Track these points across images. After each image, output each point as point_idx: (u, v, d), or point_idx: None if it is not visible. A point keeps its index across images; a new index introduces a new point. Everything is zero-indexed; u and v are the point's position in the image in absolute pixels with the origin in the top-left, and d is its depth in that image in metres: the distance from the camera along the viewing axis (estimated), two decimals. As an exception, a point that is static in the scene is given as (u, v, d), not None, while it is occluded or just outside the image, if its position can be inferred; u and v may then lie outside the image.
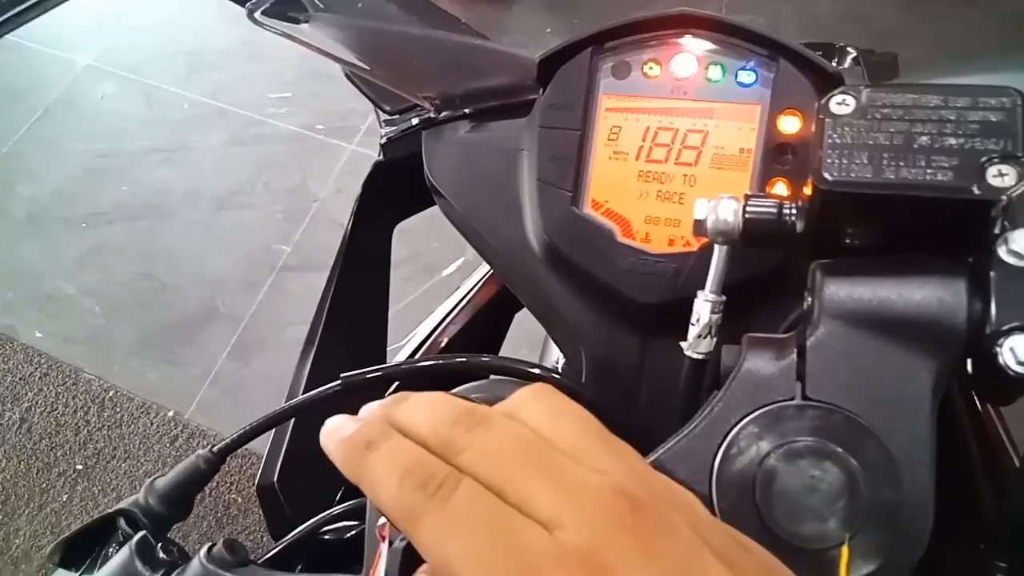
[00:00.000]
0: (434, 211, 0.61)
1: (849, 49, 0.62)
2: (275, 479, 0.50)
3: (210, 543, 0.37)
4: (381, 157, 0.56)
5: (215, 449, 0.42)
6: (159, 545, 0.37)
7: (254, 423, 0.42)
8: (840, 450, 0.27)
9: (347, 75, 0.53)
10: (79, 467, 1.56)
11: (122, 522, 0.42)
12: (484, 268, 0.72)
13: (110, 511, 0.42)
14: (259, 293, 1.78)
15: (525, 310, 0.71)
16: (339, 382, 0.42)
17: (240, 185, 1.97)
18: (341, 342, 0.59)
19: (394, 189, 0.60)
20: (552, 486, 0.22)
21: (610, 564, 0.21)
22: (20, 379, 1.67)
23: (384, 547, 0.29)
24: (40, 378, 1.67)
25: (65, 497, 1.53)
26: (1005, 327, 0.27)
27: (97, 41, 2.27)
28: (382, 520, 0.31)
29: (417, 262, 1.70)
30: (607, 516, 0.22)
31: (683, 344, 0.37)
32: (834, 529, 0.26)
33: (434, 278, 1.71)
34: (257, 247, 1.85)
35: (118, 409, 1.62)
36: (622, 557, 0.21)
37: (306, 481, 0.51)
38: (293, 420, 0.51)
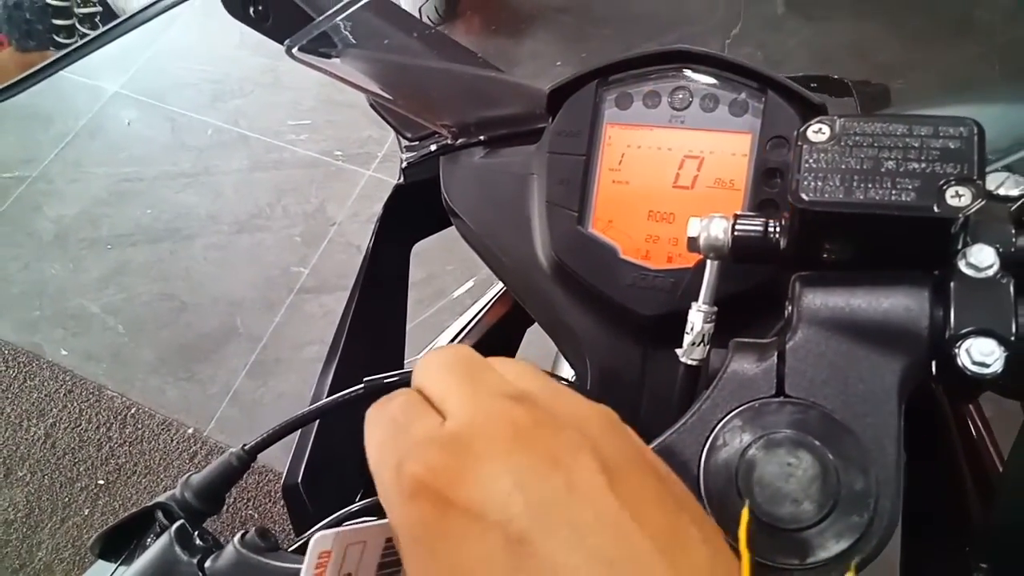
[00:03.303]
0: (446, 237, 0.65)
1: (844, 81, 0.66)
2: (299, 480, 0.54)
3: (243, 530, 0.40)
4: (401, 180, 0.60)
5: (247, 447, 0.46)
6: (195, 533, 0.41)
7: (281, 424, 0.46)
8: (814, 441, 0.30)
9: (371, 105, 0.57)
10: (101, 482, 1.60)
11: (159, 515, 0.45)
12: (494, 289, 0.75)
13: (148, 504, 0.46)
14: (277, 314, 1.82)
15: (534, 329, 0.74)
16: (361, 386, 0.45)
17: (260, 209, 2.03)
18: (362, 353, 0.63)
19: (413, 211, 0.64)
20: (464, 388, 0.27)
21: (476, 448, 0.24)
22: (45, 395, 1.71)
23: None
24: (64, 395, 1.71)
25: (87, 511, 1.57)
26: (963, 331, 0.30)
27: (124, 69, 2.34)
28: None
29: (430, 285, 1.74)
30: (489, 410, 0.26)
31: (678, 351, 0.40)
32: (808, 511, 0.29)
33: (444, 299, 1.74)
34: (276, 269, 1.90)
35: (139, 426, 1.66)
36: (490, 444, 0.24)
37: (329, 482, 0.54)
38: (317, 423, 0.55)
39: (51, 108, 2.28)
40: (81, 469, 1.62)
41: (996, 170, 0.35)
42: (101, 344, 1.80)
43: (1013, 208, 0.33)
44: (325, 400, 0.46)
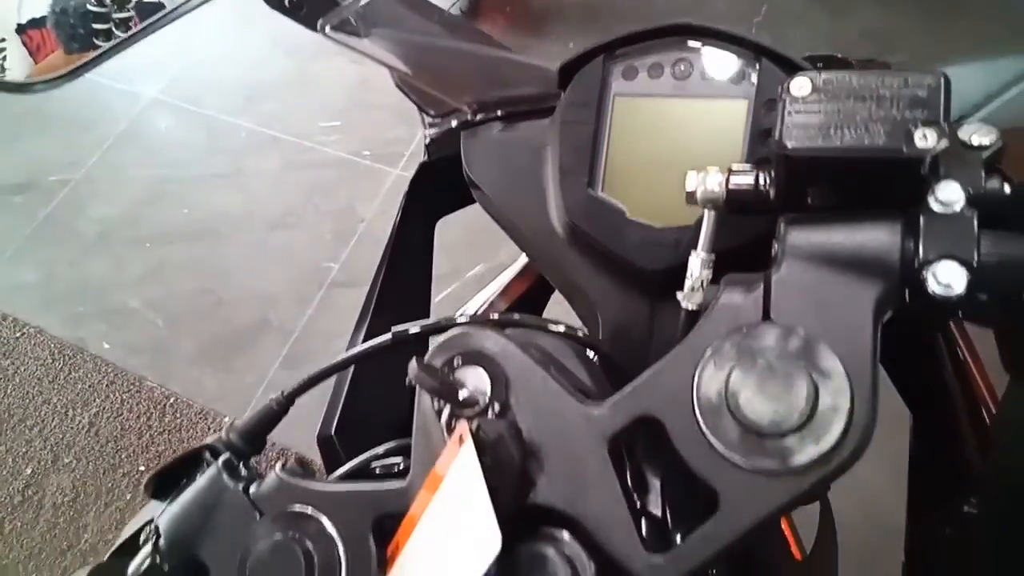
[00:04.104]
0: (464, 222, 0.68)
1: (847, 59, 0.69)
2: (333, 431, 0.58)
3: (283, 460, 0.44)
4: (425, 158, 0.64)
5: (285, 393, 0.50)
6: (240, 464, 0.45)
7: (315, 372, 0.50)
8: (796, 357, 0.33)
9: (397, 85, 0.61)
10: (141, 468, 1.66)
11: (207, 455, 0.49)
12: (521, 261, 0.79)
13: (196, 446, 0.50)
14: (309, 307, 1.88)
15: (553, 301, 0.78)
16: (389, 336, 0.49)
17: (292, 207, 2.09)
18: (389, 322, 0.67)
19: (437, 188, 0.68)
20: None
21: None
22: (89, 386, 1.79)
23: (465, 434, 0.35)
24: (107, 386, 1.78)
25: (129, 496, 1.64)
26: (930, 257, 0.33)
27: (161, 76, 2.43)
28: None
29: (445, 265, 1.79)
30: None
31: (679, 294, 0.44)
32: (789, 420, 0.32)
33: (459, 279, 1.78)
34: (307, 265, 1.96)
35: (178, 415, 1.73)
36: None
37: (361, 432, 0.58)
38: (350, 377, 0.59)
39: (92, 114, 2.37)
40: (123, 456, 1.69)
41: (970, 122, 0.38)
42: (142, 337, 1.87)
43: (985, 156, 0.36)
44: (356, 349, 0.50)
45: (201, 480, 0.45)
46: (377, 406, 0.57)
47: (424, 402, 0.39)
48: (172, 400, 1.75)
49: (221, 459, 0.45)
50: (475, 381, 0.38)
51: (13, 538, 1.57)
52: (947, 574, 0.49)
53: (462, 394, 0.37)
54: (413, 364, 0.36)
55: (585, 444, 0.36)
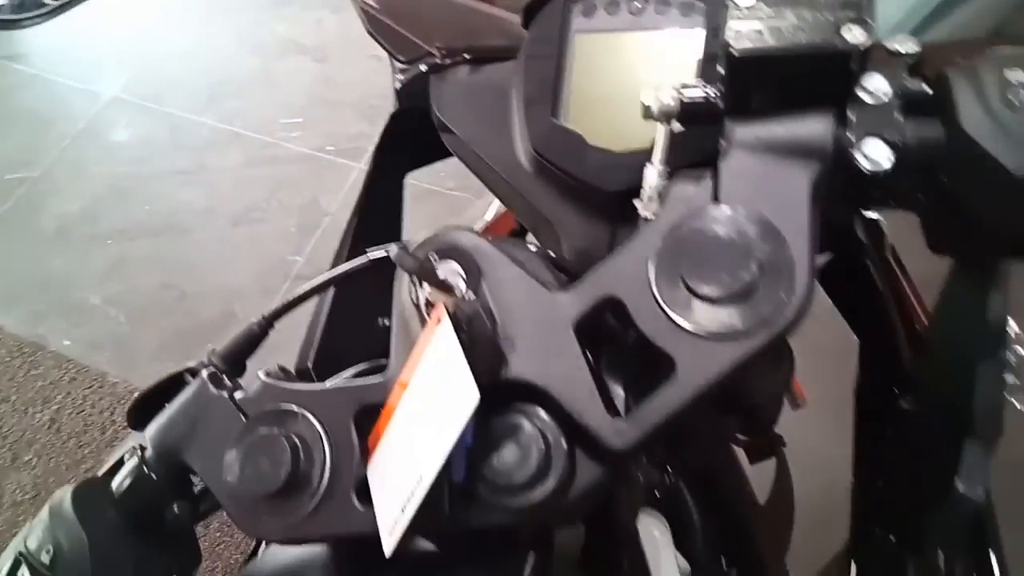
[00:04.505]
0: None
1: None
2: (310, 363, 0.60)
3: (265, 369, 0.46)
4: (396, 107, 0.67)
5: (265, 315, 0.52)
6: (223, 375, 0.47)
7: (294, 296, 0.52)
8: (741, 233, 0.36)
9: (369, 31, 0.64)
10: (106, 462, 1.64)
11: (188, 378, 0.51)
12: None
13: (177, 371, 0.52)
14: (275, 300, 1.86)
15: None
16: (366, 258, 0.51)
17: (256, 202, 2.09)
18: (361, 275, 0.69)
19: (408, 141, 0.70)
20: None
21: None
22: (50, 383, 1.76)
23: (443, 313, 0.38)
24: (68, 382, 1.76)
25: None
26: (859, 137, 0.37)
27: (120, 74, 2.41)
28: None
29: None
30: None
31: (637, 203, 0.47)
32: (739, 282, 0.36)
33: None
34: (273, 258, 1.96)
35: (142, 408, 1.70)
36: None
37: (336, 365, 0.60)
38: (327, 310, 0.61)
39: (51, 113, 2.34)
40: (86, 452, 1.66)
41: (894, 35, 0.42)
42: (103, 333, 1.85)
43: (908, 62, 0.40)
44: (333, 271, 0.52)
45: (186, 392, 0.47)
46: (353, 340, 0.59)
47: (403, 297, 0.42)
48: (136, 394, 1.72)
49: (205, 371, 0.47)
50: (451, 272, 0.40)
51: (-28, 536, 1.54)
52: (890, 468, 0.53)
53: (440, 274, 0.39)
54: (394, 248, 0.38)
55: (554, 325, 0.39)
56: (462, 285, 0.40)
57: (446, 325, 0.37)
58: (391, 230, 0.74)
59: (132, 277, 1.94)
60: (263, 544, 0.54)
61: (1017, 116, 0.35)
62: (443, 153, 0.64)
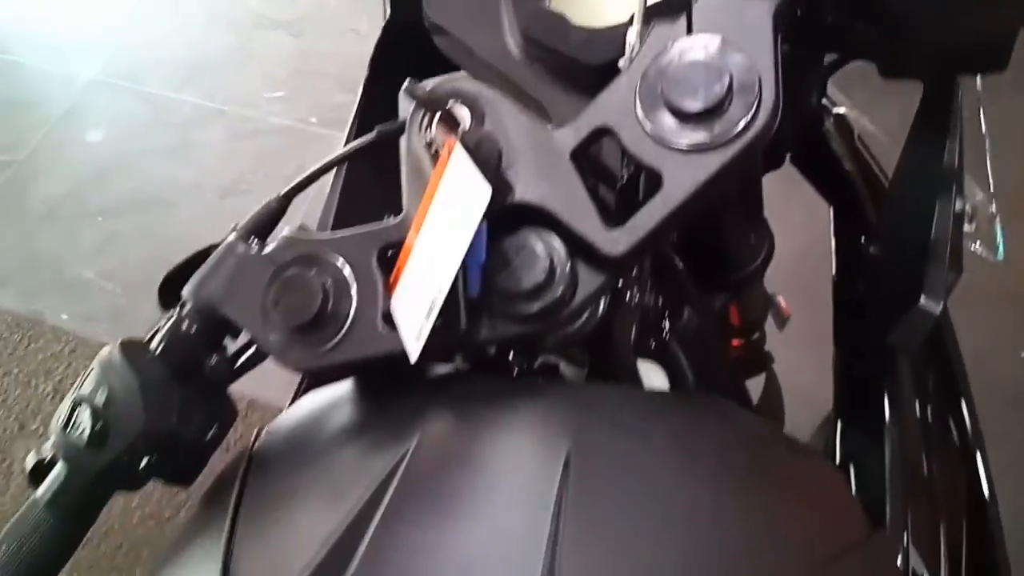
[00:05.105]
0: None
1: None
2: None
3: (287, 227, 0.51)
4: (388, 15, 0.71)
5: (283, 193, 0.56)
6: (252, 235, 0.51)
7: (308, 172, 0.56)
8: (713, 53, 0.41)
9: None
10: (111, 427, 1.67)
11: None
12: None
13: (202, 248, 0.56)
14: (267, 265, 1.91)
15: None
16: (374, 133, 0.56)
17: (242, 175, 2.12)
18: (358, 198, 0.73)
19: (401, 52, 0.75)
20: None
21: None
22: (51, 355, 1.79)
23: (453, 142, 0.42)
24: (69, 354, 1.79)
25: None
26: None
27: (96, 57, 2.42)
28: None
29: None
30: None
31: (621, 63, 0.52)
32: (714, 94, 0.40)
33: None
34: (262, 226, 1.98)
35: (144, 374, 1.74)
36: None
37: None
38: (341, 187, 0.65)
39: (30, 98, 2.36)
40: (91, 419, 1.69)
41: None
42: (99, 306, 1.88)
43: None
44: (345, 149, 0.56)
45: (217, 252, 0.51)
46: (366, 212, 0.63)
47: (413, 143, 0.47)
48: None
49: (233, 233, 0.51)
50: (457, 109, 0.45)
51: (-16, 503, 1.57)
52: (863, 303, 0.58)
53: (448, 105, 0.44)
54: (406, 84, 0.43)
55: (552, 155, 0.44)
56: (468, 119, 0.44)
57: (456, 148, 0.42)
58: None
59: (124, 252, 1.97)
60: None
61: None
62: (438, 67, 0.68)
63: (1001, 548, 0.56)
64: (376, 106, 0.76)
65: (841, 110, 0.74)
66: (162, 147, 2.19)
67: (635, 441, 0.39)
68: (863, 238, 0.60)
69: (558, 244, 0.43)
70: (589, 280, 0.43)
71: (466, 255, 0.42)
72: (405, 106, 0.47)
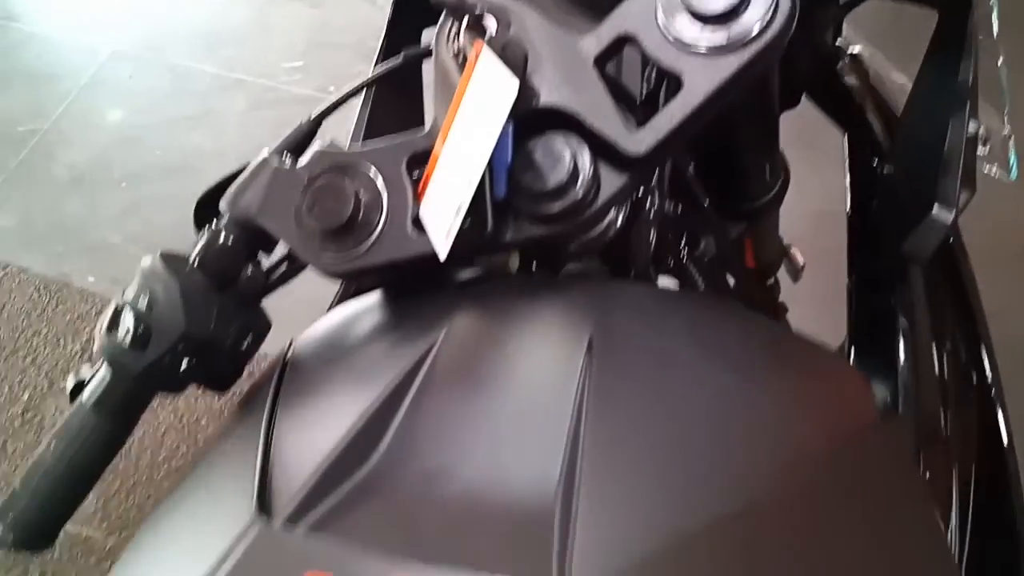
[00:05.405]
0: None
1: None
2: None
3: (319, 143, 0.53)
4: None
5: (313, 115, 0.58)
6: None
7: (338, 96, 0.58)
8: None
9: None
10: (138, 385, 1.71)
11: (246, 173, 0.57)
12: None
13: (235, 170, 0.58)
14: (288, 230, 1.93)
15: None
16: (401, 57, 0.57)
17: (264, 142, 2.09)
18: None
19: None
20: None
21: None
22: (77, 317, 1.83)
23: (480, 44, 0.44)
24: (96, 315, 1.83)
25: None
26: None
27: (117, 30, 2.45)
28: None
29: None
30: None
31: None
32: (731, 4, 0.42)
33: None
34: (283, 193, 2.01)
35: (169, 335, 1.78)
36: None
37: None
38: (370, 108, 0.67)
39: (53, 70, 2.39)
40: (118, 378, 1.73)
41: None
42: (125, 269, 1.91)
43: None
44: (373, 73, 0.58)
45: (251, 167, 0.53)
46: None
47: (441, 54, 0.48)
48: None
49: (266, 153, 0.54)
50: (484, 21, 0.47)
51: (17, 458, 1.62)
52: (877, 227, 0.59)
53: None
54: None
55: (577, 62, 0.45)
56: (495, 26, 0.46)
57: (483, 49, 0.43)
58: (412, 97, 0.79)
59: (148, 216, 2.00)
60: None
61: None
62: None
63: (1019, 496, 0.55)
64: (399, 43, 0.78)
65: (856, 49, 0.75)
66: (184, 116, 2.22)
67: (655, 327, 0.41)
68: (876, 161, 0.61)
69: (582, 146, 0.45)
70: (611, 181, 0.45)
71: (493, 156, 0.44)
72: (428, 34, 0.48)
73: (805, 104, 0.71)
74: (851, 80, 0.71)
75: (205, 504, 0.39)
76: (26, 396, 1.71)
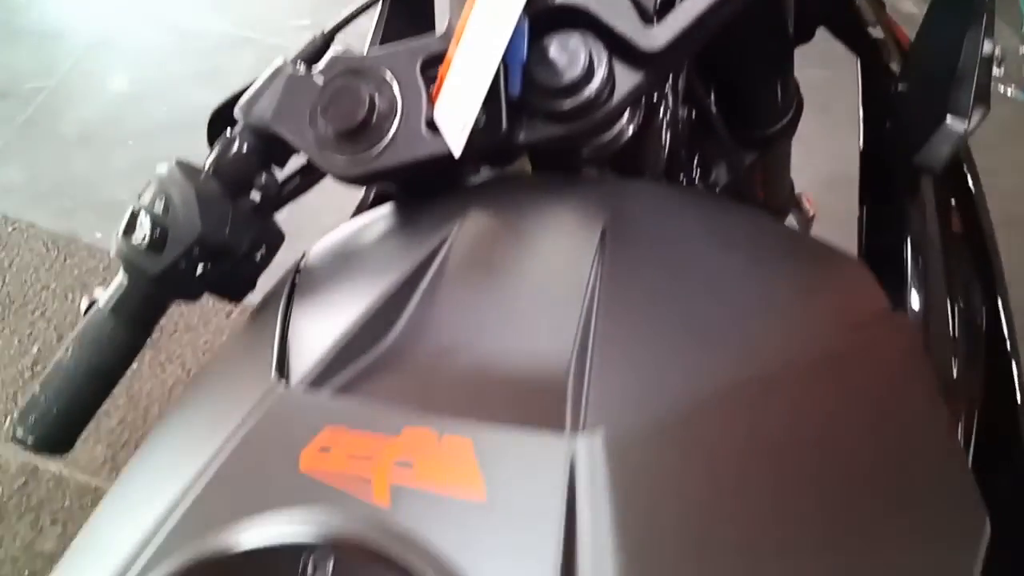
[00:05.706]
0: None
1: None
2: None
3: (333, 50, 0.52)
4: None
5: (324, 31, 0.58)
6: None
7: (352, 9, 0.58)
8: None
9: None
10: (146, 338, 1.73)
11: (262, 89, 0.57)
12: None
13: (248, 83, 0.58)
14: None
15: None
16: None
17: (270, 101, 2.13)
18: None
19: None
20: None
21: None
22: (86, 271, 1.84)
23: None
24: (103, 269, 1.84)
25: (135, 365, 1.70)
26: None
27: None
28: None
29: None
30: None
31: None
32: None
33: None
34: (290, 150, 2.01)
35: (177, 290, 1.79)
36: None
37: None
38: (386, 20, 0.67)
39: (58, 28, 2.38)
40: (127, 332, 1.75)
41: None
42: (133, 225, 1.92)
43: None
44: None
45: (265, 75, 0.53)
46: None
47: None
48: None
49: (280, 61, 0.53)
50: None
51: (27, 407, 1.64)
52: (889, 137, 0.59)
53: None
54: None
55: None
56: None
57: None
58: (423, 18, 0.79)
59: (156, 173, 2.00)
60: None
61: None
62: None
63: None
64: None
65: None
66: (192, 73, 2.21)
67: (667, 218, 0.41)
68: (890, 83, 0.61)
69: (597, 43, 0.45)
70: (626, 79, 0.45)
71: (508, 54, 0.44)
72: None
73: (818, 71, 0.71)
74: (866, 11, 0.70)
75: (225, 380, 0.40)
76: (36, 349, 1.72)
